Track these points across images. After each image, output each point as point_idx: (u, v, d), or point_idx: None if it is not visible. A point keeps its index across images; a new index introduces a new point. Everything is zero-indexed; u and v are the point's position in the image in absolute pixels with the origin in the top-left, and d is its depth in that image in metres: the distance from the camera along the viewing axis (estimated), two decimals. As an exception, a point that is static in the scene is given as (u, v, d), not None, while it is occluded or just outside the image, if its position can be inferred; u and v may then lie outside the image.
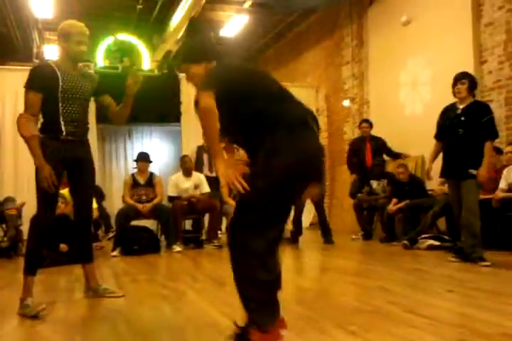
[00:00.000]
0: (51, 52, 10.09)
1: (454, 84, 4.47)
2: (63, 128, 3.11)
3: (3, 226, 6.03)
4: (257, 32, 10.26)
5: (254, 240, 1.96)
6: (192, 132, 7.71)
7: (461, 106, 4.45)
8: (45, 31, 9.99)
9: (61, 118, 3.11)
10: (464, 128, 4.36)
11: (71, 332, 2.60)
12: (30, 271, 3.08)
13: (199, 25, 2.63)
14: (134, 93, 3.22)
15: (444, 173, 4.58)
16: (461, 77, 4.46)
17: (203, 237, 6.58)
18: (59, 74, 3.11)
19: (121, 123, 3.48)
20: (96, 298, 3.37)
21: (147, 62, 11.03)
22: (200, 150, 7.14)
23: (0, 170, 7.13)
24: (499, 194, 5.01)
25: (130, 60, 3.04)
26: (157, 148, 10.31)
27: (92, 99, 3.38)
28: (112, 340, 2.46)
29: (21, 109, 3.16)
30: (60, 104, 3.11)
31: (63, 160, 3.12)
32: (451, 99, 4.61)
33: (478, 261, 4.21)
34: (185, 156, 6.92)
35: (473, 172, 4.28)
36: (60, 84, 3.10)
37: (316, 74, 9.69)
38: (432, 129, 4.75)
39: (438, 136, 4.67)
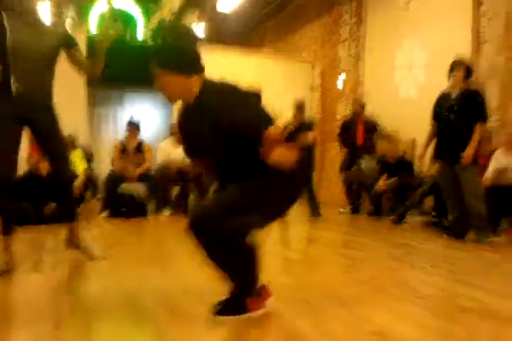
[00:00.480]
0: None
1: (451, 70, 4.54)
2: (13, 85, 2.99)
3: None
4: (258, 2, 10.07)
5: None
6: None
7: (454, 93, 4.53)
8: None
9: (12, 75, 2.98)
10: (456, 114, 4.45)
11: (56, 290, 2.63)
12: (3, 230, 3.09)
13: (186, 29, 2.34)
14: (104, 49, 3.15)
15: (438, 155, 4.66)
16: (458, 64, 4.53)
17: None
18: (8, 29, 2.95)
19: (96, 76, 3.28)
20: (78, 251, 3.40)
21: (142, 31, 10.72)
22: None
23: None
24: (488, 181, 4.92)
25: (118, 28, 2.90)
26: (148, 115, 10.23)
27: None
28: (98, 300, 2.45)
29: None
30: (12, 61, 2.97)
31: (14, 117, 3.02)
32: (445, 84, 4.66)
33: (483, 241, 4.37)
34: (175, 123, 6.84)
35: None
36: (9, 38, 2.94)
37: (312, 49, 9.57)
38: (425, 112, 4.80)
39: (433, 123, 4.74)
